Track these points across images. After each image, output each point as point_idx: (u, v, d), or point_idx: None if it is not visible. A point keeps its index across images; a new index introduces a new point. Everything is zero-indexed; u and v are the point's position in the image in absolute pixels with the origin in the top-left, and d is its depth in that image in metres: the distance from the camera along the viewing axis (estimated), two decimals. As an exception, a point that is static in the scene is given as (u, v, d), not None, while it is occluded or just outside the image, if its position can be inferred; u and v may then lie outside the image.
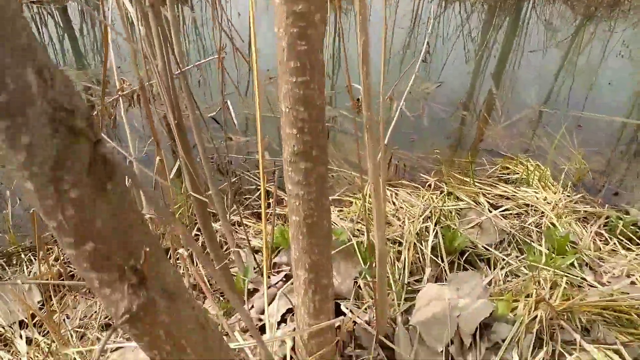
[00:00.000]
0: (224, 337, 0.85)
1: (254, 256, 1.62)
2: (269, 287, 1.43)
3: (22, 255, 1.87)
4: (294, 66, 0.67)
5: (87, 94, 3.05)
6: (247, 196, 2.22)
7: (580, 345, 1.13)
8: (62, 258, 1.81)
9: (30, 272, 1.76)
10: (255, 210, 2.13)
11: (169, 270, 0.67)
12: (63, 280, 1.70)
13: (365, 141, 0.88)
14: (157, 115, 2.64)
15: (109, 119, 2.71)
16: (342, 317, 1.10)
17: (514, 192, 1.98)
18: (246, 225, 1.94)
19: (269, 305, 1.35)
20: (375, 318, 1.15)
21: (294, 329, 1.14)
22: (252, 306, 1.33)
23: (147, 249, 0.60)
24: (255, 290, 1.43)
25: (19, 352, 1.41)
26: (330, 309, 0.98)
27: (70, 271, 1.79)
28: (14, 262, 1.85)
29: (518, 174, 2.16)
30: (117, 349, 1.38)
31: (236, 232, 1.88)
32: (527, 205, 1.88)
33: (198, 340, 0.74)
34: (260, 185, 2.25)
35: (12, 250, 1.88)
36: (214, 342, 0.80)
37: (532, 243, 1.62)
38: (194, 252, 0.56)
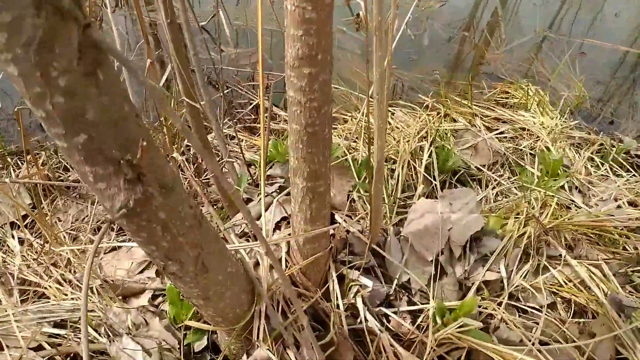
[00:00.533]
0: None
1: (248, 168, 1.61)
2: (265, 196, 1.43)
3: (9, 159, 1.83)
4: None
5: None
6: (239, 110, 2.16)
7: (564, 260, 1.17)
8: (49, 163, 1.78)
9: (18, 175, 1.73)
10: (248, 125, 2.09)
11: (165, 166, 0.65)
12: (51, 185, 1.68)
13: (373, 52, 0.83)
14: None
15: (95, 20, 2.55)
16: (337, 225, 1.12)
17: (511, 115, 1.96)
18: (239, 138, 1.91)
19: (261, 215, 1.36)
20: (368, 228, 1.16)
21: (289, 235, 1.15)
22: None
23: (144, 143, 0.58)
24: (249, 200, 1.43)
25: (12, 251, 1.42)
26: (327, 216, 0.98)
27: (59, 176, 1.77)
28: (1, 166, 1.82)
29: (517, 98, 2.13)
30: (111, 250, 1.40)
31: (228, 145, 1.85)
32: (523, 129, 1.87)
33: (195, 237, 0.74)
34: (253, 99, 2.20)
35: (-3, 154, 1.83)
36: (211, 240, 0.80)
37: (526, 166, 1.62)
38: (190, 142, 0.53)
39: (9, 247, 1.44)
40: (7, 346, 1.11)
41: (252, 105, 2.16)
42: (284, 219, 1.26)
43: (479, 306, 1.09)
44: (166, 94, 1.62)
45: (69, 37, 0.44)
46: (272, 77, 2.34)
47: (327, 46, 0.71)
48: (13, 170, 1.78)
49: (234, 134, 1.84)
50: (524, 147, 1.74)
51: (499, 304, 1.10)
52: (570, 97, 2.20)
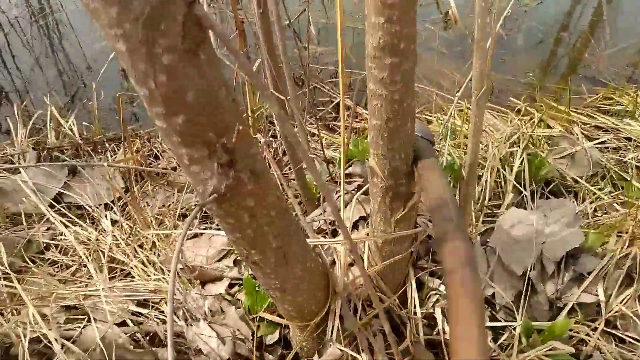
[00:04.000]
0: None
1: (327, 166, 1.60)
2: (341, 195, 1.41)
3: (107, 145, 1.97)
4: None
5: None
6: (320, 108, 2.17)
7: (676, 288, 1.04)
8: (142, 150, 1.89)
9: (115, 160, 1.85)
10: (328, 123, 2.09)
11: (257, 153, 0.64)
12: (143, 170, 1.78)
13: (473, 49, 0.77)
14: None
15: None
16: (419, 229, 1.07)
17: (615, 124, 1.78)
18: (320, 136, 1.91)
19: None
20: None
21: (368, 234, 1.12)
22: (324, 211, 1.33)
23: (240, 127, 0.57)
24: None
25: (104, 230, 1.52)
26: (413, 218, 0.94)
27: (150, 163, 1.87)
28: (99, 151, 1.96)
29: (622, 105, 1.93)
30: (192, 237, 1.45)
31: (310, 142, 1.85)
32: (629, 139, 1.68)
33: (280, 227, 0.73)
34: (334, 98, 2.19)
35: (97, 140, 1.98)
36: (294, 232, 0.79)
37: (632, 180, 1.46)
38: (282, 128, 0.53)
39: (102, 226, 1.54)
40: (95, 319, 1.18)
41: (333, 103, 2.15)
42: (362, 218, 1.23)
43: (570, 330, 0.99)
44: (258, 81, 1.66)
45: (175, 13, 0.44)
46: (354, 75, 2.32)
47: (411, 34, 0.67)
48: (110, 155, 1.91)
49: (315, 132, 1.84)
50: (629, 159, 1.57)
51: (594, 330, 0.99)
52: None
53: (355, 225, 1.22)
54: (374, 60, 0.69)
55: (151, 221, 1.57)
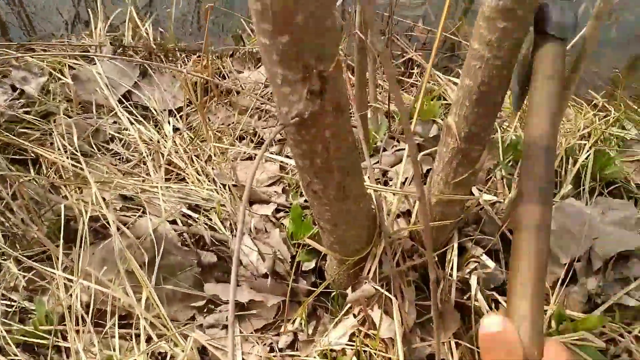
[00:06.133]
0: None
1: (389, 119, 1.59)
2: (397, 150, 1.42)
3: (178, 54, 2.01)
4: None
5: None
6: (392, 61, 2.12)
7: None
8: (211, 67, 1.92)
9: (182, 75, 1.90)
10: (397, 77, 2.05)
11: (344, 89, 0.66)
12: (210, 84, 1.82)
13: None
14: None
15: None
16: (474, 197, 1.07)
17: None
18: (386, 89, 1.89)
19: (394, 165, 1.35)
20: (504, 211, 1.10)
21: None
22: (379, 162, 1.34)
23: (338, 57, 0.59)
24: (384, 150, 1.42)
25: (167, 134, 1.59)
26: (471, 184, 0.94)
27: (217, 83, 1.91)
28: (170, 59, 2.01)
29: None
30: (247, 158, 1.50)
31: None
32: None
33: (346, 164, 0.75)
34: (406, 53, 2.14)
35: (170, 48, 2.02)
36: (357, 172, 0.81)
37: None
38: (384, 64, 0.53)
39: (164, 131, 1.61)
40: (149, 212, 1.26)
41: (404, 58, 2.10)
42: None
43: (603, 326, 1.00)
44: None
45: None
46: (431, 34, 2.25)
47: (531, 3, 0.65)
48: (180, 65, 1.95)
49: (382, 83, 1.82)
50: None
51: (628, 332, 1.00)
52: None
53: (404, 181, 1.23)
54: (487, 20, 0.68)
55: (211, 136, 1.63)
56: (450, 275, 1.02)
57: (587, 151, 1.49)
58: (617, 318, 1.00)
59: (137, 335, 1.04)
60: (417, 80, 1.99)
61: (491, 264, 0.99)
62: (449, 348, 0.97)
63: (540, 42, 0.65)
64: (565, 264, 1.02)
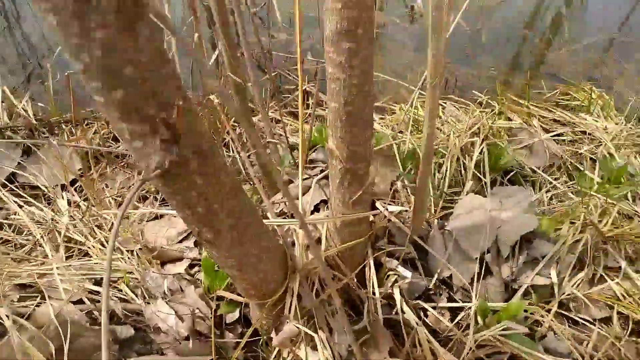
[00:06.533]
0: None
1: (291, 151, 1.59)
2: (304, 179, 1.41)
3: (64, 127, 1.90)
4: None
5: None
6: (286, 95, 2.16)
7: (624, 272, 1.09)
8: (101, 132, 1.83)
9: (71, 142, 1.79)
10: (293, 110, 2.08)
11: (203, 131, 0.63)
12: (101, 154, 1.73)
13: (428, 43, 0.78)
14: None
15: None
16: (377, 211, 1.08)
17: (572, 118, 1.85)
18: (284, 122, 1.90)
19: (303, 195, 1.34)
20: (410, 218, 1.12)
21: (328, 216, 1.12)
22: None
23: (180, 103, 0.56)
24: (290, 182, 1.41)
25: (60, 210, 1.47)
26: (367, 200, 0.94)
27: (109, 146, 1.82)
28: (55, 132, 1.89)
29: (579, 101, 2.01)
30: (153, 218, 1.42)
31: (273, 128, 1.84)
32: (584, 133, 1.75)
33: (231, 206, 0.72)
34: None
35: (53, 121, 1.91)
36: (248, 211, 0.78)
37: (585, 170, 1.52)
38: (231, 110, 0.52)
39: (58, 206, 1.49)
40: (50, 297, 1.14)
41: (299, 91, 2.14)
42: (323, 201, 1.23)
43: (525, 311, 1.03)
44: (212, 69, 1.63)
45: None
46: (320, 64, 2.32)
47: (368, 19, 0.68)
48: (67, 136, 1.84)
49: (279, 118, 1.83)
50: (584, 151, 1.64)
51: (548, 311, 1.03)
52: (638, 103, 2.05)
53: (316, 209, 1.22)
54: (333, 45, 0.70)
55: (110, 202, 1.53)
56: (373, 293, 1.00)
57: (480, 146, 1.58)
58: (535, 299, 1.03)
59: None
60: (309, 110, 2.03)
61: (408, 273, 1.00)
62: (387, 368, 0.94)
63: None
64: (476, 258, 1.04)
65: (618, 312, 1.07)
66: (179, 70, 0.53)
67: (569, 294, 1.05)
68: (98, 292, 1.18)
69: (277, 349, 0.96)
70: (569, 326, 1.05)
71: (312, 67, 2.31)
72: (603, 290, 1.07)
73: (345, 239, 0.98)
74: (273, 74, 2.18)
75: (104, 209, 1.45)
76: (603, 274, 1.09)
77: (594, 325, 1.03)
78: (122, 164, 1.69)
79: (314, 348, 0.91)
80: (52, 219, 1.43)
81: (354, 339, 0.87)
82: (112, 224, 1.42)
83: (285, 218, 1.23)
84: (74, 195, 1.54)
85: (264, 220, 0.86)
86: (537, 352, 0.93)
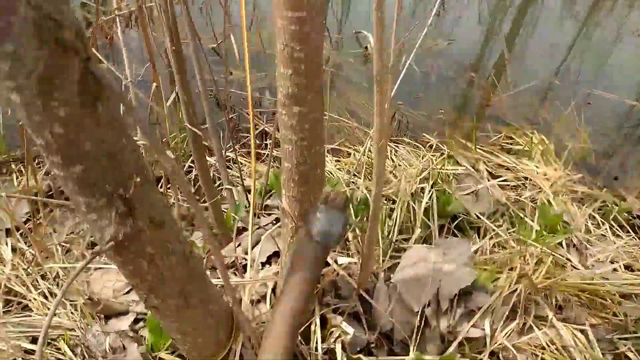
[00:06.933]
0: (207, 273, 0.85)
1: (247, 195, 1.61)
2: (258, 228, 1.43)
3: (13, 166, 1.85)
4: (290, -1, 0.62)
5: (83, 11, 2.90)
6: (244, 134, 2.18)
7: (550, 322, 1.15)
8: (51, 173, 1.79)
9: (20, 182, 1.74)
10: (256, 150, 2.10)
11: (158, 201, 0.65)
12: (52, 195, 1.69)
13: (374, 92, 0.83)
14: (155, 40, 2.52)
15: (106, 39, 2.59)
16: (326, 268, 1.11)
17: (515, 163, 1.95)
18: (241, 163, 1.91)
19: (255, 246, 1.35)
20: (359, 271, 1.15)
21: (277, 272, 1.14)
22: (239, 244, 1.34)
23: (138, 179, 0.58)
24: (245, 229, 1.42)
25: (4, 258, 1.42)
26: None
27: (60, 186, 1.78)
28: (4, 172, 1.83)
29: (521, 145, 2.12)
30: (99, 268, 1.40)
31: (230, 169, 1.86)
32: (526, 178, 1.86)
33: (181, 273, 0.73)
34: (258, 125, 2.21)
35: (1, 160, 1.85)
36: (197, 277, 0.79)
37: (526, 217, 1.61)
38: (180, 186, 0.54)
39: (1, 254, 1.44)
40: (-17, 359, 1.10)
41: (258, 131, 2.17)
42: (275, 253, 1.25)
43: (459, 361, 1.07)
44: (170, 118, 1.64)
45: (70, 70, 0.45)
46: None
47: (317, 86, 0.72)
48: (16, 176, 1.79)
49: (238, 159, 1.85)
50: (525, 197, 1.73)
51: (480, 362, 1.08)
52: (575, 148, 2.19)
53: (268, 261, 1.24)
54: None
55: (57, 249, 1.49)
56: (316, 349, 1.02)
57: (429, 192, 1.65)
58: (467, 350, 1.08)
59: None
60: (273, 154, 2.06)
61: (351, 330, 1.02)
62: None
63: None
64: (417, 312, 1.08)
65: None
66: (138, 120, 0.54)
67: (499, 344, 1.11)
68: (34, 351, 1.15)
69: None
70: (500, 376, 1.09)
71: (272, 107, 2.35)
72: (531, 339, 1.13)
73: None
74: (232, 115, 2.21)
75: (47, 260, 1.41)
76: (532, 324, 1.15)
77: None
78: (73, 207, 1.65)
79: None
80: (-6, 269, 1.38)
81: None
82: (57, 273, 1.39)
83: (236, 270, 1.24)
84: (19, 241, 1.50)
85: (214, 281, 0.87)
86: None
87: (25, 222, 1.54)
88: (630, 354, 1.16)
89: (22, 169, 1.83)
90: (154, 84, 1.23)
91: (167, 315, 0.80)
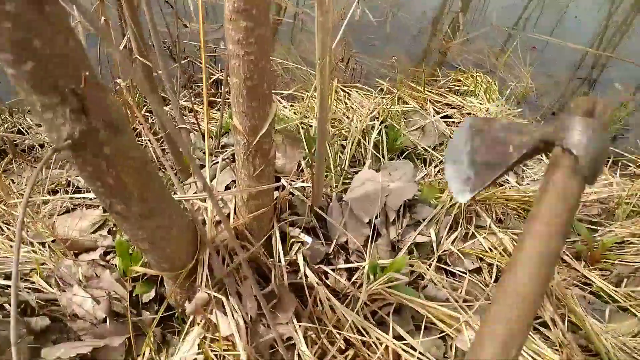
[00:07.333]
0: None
1: (203, 138, 1.66)
2: (215, 163, 1.49)
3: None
4: None
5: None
6: (199, 84, 2.20)
7: (489, 229, 1.29)
8: (5, 125, 1.77)
9: (-28, 137, 1.72)
10: (210, 99, 2.13)
11: (112, 104, 0.70)
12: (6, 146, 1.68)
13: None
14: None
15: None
16: (280, 183, 1.19)
17: (460, 102, 2.08)
18: (196, 111, 1.94)
19: (213, 178, 1.42)
20: (312, 193, 1.24)
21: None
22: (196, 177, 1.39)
23: (87, 73, 0.63)
24: (202, 167, 1.48)
25: (-36, 208, 1.43)
26: (271, 174, 1.05)
27: (14, 140, 1.77)
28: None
29: (467, 86, 2.25)
30: (65, 212, 1.43)
31: (186, 116, 1.89)
32: (470, 114, 1.98)
33: (141, 179, 0.79)
34: (213, 74, 2.23)
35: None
36: (157, 185, 0.85)
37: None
38: (134, 80, 0.59)
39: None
40: (-45, 296, 1.13)
41: (212, 80, 2.20)
42: (233, 182, 1.32)
43: (411, 266, 1.19)
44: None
45: None
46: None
47: (262, 2, 0.77)
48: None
49: (191, 107, 1.88)
50: (468, 130, 1.85)
51: (429, 266, 1.21)
52: (518, 88, 2.34)
53: (227, 188, 1.31)
54: (231, 22, 0.77)
55: (16, 198, 1.50)
56: (279, 261, 1.11)
57: (379, 128, 1.75)
58: (417, 255, 1.20)
59: None
60: (227, 99, 2.09)
61: (309, 239, 1.12)
62: (293, 327, 1.06)
63: (560, 161, 0.53)
64: (368, 223, 1.19)
65: (487, 263, 1.26)
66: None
67: (446, 250, 1.24)
68: (7, 287, 1.19)
69: (191, 318, 1.05)
70: (446, 278, 1.23)
71: (225, 55, 2.36)
72: (474, 245, 1.26)
73: (252, 211, 1.08)
74: (185, 62, 2.22)
75: (12, 206, 1.43)
76: (474, 232, 1.28)
77: (466, 275, 1.22)
78: (30, 158, 1.66)
79: (226, 314, 1.00)
80: (-46, 218, 1.39)
81: (264, 302, 0.97)
82: (22, 220, 1.41)
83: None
84: (-24, 192, 1.50)
85: (175, 196, 0.94)
86: (418, 299, 1.09)
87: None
88: (565, 257, 1.32)
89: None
90: (103, 18, 1.24)
91: (132, 223, 0.84)
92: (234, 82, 0.86)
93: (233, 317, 0.98)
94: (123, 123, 0.72)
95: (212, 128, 1.82)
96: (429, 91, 2.17)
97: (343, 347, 1.07)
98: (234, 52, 0.81)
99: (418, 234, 1.21)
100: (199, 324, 1.03)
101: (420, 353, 1.04)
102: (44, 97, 0.59)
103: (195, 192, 1.34)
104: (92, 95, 0.63)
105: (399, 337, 1.08)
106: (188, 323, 1.05)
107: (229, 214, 1.17)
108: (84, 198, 1.51)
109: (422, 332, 1.08)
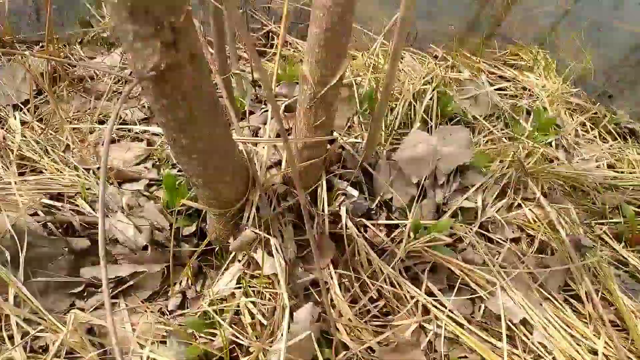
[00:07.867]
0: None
1: (254, 85, 1.64)
2: (264, 111, 1.47)
3: (17, 47, 1.83)
4: None
5: None
6: (252, 34, 2.16)
7: (537, 202, 1.24)
8: (60, 54, 1.79)
9: (25, 62, 1.74)
10: (259, 49, 2.10)
11: (198, 39, 0.68)
12: (59, 76, 1.69)
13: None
14: None
15: None
16: (335, 136, 1.17)
17: (516, 75, 1.99)
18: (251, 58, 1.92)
19: (264, 124, 1.40)
20: (363, 148, 1.21)
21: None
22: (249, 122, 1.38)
23: (189, 8, 0.61)
24: (252, 113, 1.47)
25: (13, 129, 1.45)
26: (329, 126, 1.02)
27: (66, 70, 1.79)
28: (11, 53, 1.82)
29: (525, 61, 2.15)
30: (111, 142, 1.44)
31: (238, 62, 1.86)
32: (525, 89, 1.90)
33: (209, 115, 0.78)
34: (266, 25, 2.19)
35: (6, 40, 1.83)
36: (221, 122, 0.84)
37: (520, 120, 1.67)
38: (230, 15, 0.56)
39: (10, 126, 1.47)
40: (4, 210, 1.16)
41: (264, 31, 2.16)
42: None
43: (451, 229, 1.16)
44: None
45: None
46: (291, 4, 2.33)
47: None
48: (20, 57, 1.78)
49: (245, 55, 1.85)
50: (522, 104, 1.78)
51: (470, 230, 1.18)
52: (577, 67, 2.22)
53: (277, 136, 1.29)
54: None
55: (67, 124, 1.53)
56: (323, 210, 1.10)
57: (431, 93, 1.69)
58: (461, 219, 1.17)
59: (11, 337, 0.98)
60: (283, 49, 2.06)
61: (355, 192, 1.10)
62: (329, 273, 1.06)
63: None
64: (416, 184, 1.16)
65: (527, 234, 1.23)
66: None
67: (489, 217, 1.20)
68: (53, 206, 1.21)
69: (232, 254, 1.05)
70: (486, 244, 1.20)
71: (279, 8, 2.32)
72: (518, 215, 1.22)
73: (304, 160, 1.06)
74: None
75: (66, 124, 1.45)
76: (521, 203, 1.24)
77: (506, 243, 1.19)
78: (80, 87, 1.67)
79: (269, 253, 1.00)
80: (4, 138, 1.42)
81: (314, 243, 0.97)
82: (67, 145, 1.43)
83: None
84: (26, 114, 1.53)
85: (237, 138, 0.92)
86: (454, 260, 1.07)
87: (28, 102, 1.56)
88: (605, 237, 1.27)
89: (28, 50, 1.82)
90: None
91: (192, 158, 0.84)
92: (314, 31, 0.84)
93: (278, 256, 0.98)
94: (202, 54, 0.70)
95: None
96: (484, 62, 2.08)
97: (375, 297, 1.07)
98: (322, 2, 0.79)
99: (465, 199, 1.18)
100: (239, 260, 1.03)
101: (449, 310, 1.04)
102: (139, 26, 0.58)
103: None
104: (185, 30, 0.61)
105: (430, 294, 1.08)
106: (229, 258, 1.05)
107: (279, 161, 1.16)
108: (129, 130, 1.52)
109: (454, 291, 1.08)
